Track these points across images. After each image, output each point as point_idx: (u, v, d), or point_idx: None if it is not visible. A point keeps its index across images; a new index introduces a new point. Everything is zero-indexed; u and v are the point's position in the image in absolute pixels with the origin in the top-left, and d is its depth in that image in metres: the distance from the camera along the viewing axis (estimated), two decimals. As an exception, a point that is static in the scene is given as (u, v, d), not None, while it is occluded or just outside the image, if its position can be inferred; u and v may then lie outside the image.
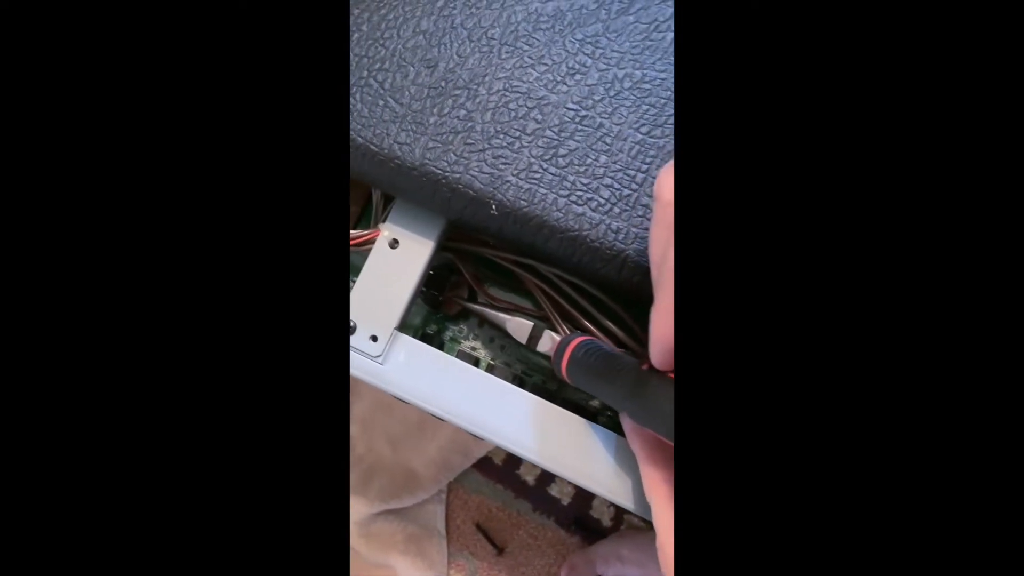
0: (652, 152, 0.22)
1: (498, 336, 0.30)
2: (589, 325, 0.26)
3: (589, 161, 0.22)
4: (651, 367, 0.20)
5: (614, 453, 0.24)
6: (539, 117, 0.22)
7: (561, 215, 0.22)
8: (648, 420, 0.19)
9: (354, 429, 0.52)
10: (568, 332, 0.26)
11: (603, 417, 0.28)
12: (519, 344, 0.28)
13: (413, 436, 0.52)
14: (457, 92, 0.23)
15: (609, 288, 0.25)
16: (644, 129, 0.22)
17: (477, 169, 0.22)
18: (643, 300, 0.24)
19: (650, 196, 0.22)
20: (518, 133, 0.22)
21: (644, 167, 0.22)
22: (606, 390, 0.21)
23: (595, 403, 0.28)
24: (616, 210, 0.22)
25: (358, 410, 0.53)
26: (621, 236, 0.22)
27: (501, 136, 0.22)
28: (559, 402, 0.26)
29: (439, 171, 0.23)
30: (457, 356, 0.28)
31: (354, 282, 0.26)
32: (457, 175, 0.22)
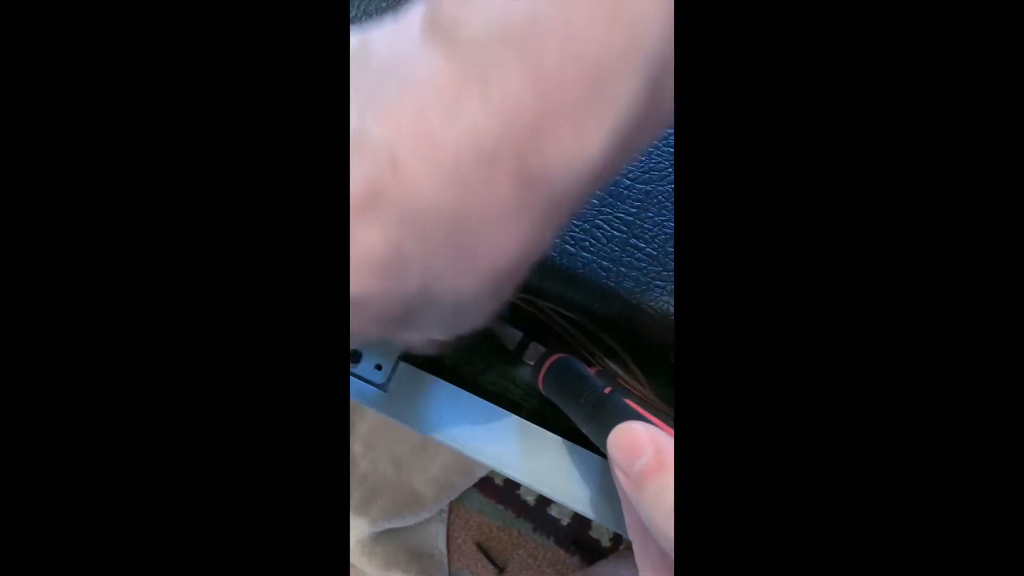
0: (639, 196, 0.24)
1: (497, 361, 0.32)
2: (585, 354, 0.27)
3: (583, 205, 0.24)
4: (614, 390, 0.21)
5: (604, 478, 0.25)
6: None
7: (556, 255, 0.23)
8: (603, 444, 0.20)
9: (358, 448, 0.53)
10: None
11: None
12: (515, 365, 0.29)
13: (416, 456, 0.53)
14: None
15: (603, 323, 0.26)
16: (632, 175, 0.24)
17: (476, 211, 0.24)
18: (635, 334, 0.25)
19: (638, 238, 0.24)
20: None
21: (633, 210, 0.24)
22: (572, 408, 0.22)
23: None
24: (606, 251, 0.23)
25: (362, 429, 0.54)
26: (613, 275, 0.24)
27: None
28: (558, 429, 0.27)
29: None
30: (458, 381, 0.29)
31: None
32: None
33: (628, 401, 0.21)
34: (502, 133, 0.13)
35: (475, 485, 0.53)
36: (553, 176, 0.14)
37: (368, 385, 0.26)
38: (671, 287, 0.24)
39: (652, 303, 0.24)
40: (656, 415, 0.21)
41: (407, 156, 0.14)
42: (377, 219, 0.14)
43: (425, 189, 0.14)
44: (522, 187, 0.14)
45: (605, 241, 0.24)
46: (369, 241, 0.15)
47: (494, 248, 0.15)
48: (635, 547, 0.22)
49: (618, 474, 0.19)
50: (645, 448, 0.19)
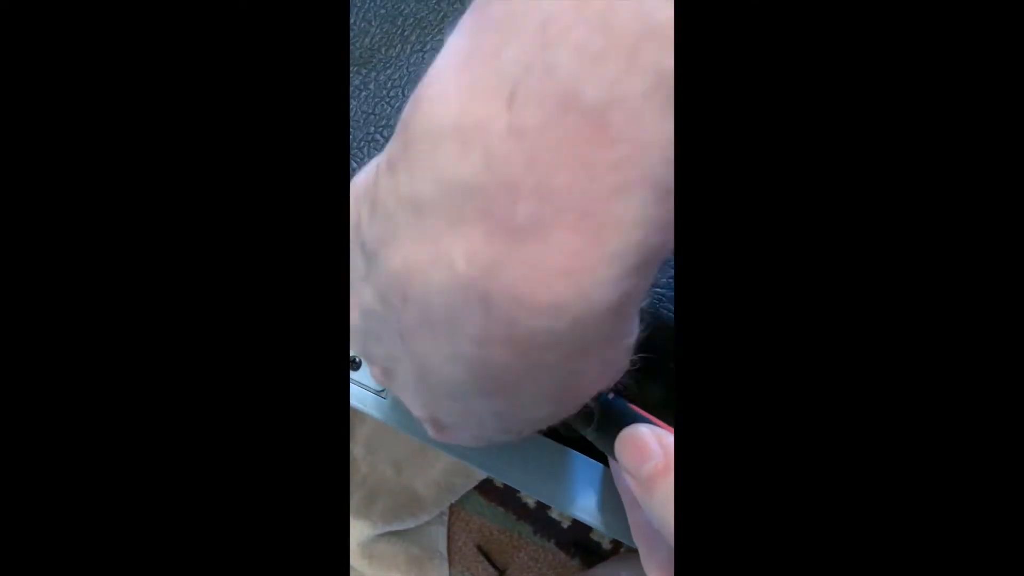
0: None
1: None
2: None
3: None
4: (616, 395, 0.21)
5: (604, 484, 0.25)
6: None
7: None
8: (607, 448, 0.20)
9: (358, 451, 0.54)
10: None
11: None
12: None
13: (416, 458, 0.53)
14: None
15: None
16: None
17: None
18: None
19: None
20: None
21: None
22: (574, 414, 0.22)
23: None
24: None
25: (362, 432, 0.54)
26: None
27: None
28: (557, 435, 0.27)
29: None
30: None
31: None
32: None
33: (632, 405, 0.21)
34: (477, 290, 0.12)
35: (476, 487, 0.53)
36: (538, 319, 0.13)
37: (367, 392, 0.26)
38: (671, 294, 0.24)
39: (650, 310, 0.24)
40: (661, 418, 0.21)
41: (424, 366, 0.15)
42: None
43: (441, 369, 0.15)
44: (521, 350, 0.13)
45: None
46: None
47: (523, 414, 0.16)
48: (641, 551, 0.22)
49: (627, 478, 0.20)
50: (653, 450, 0.19)
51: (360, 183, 0.16)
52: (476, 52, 0.12)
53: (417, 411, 0.18)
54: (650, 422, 0.20)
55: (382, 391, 0.26)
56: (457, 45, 0.12)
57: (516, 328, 0.13)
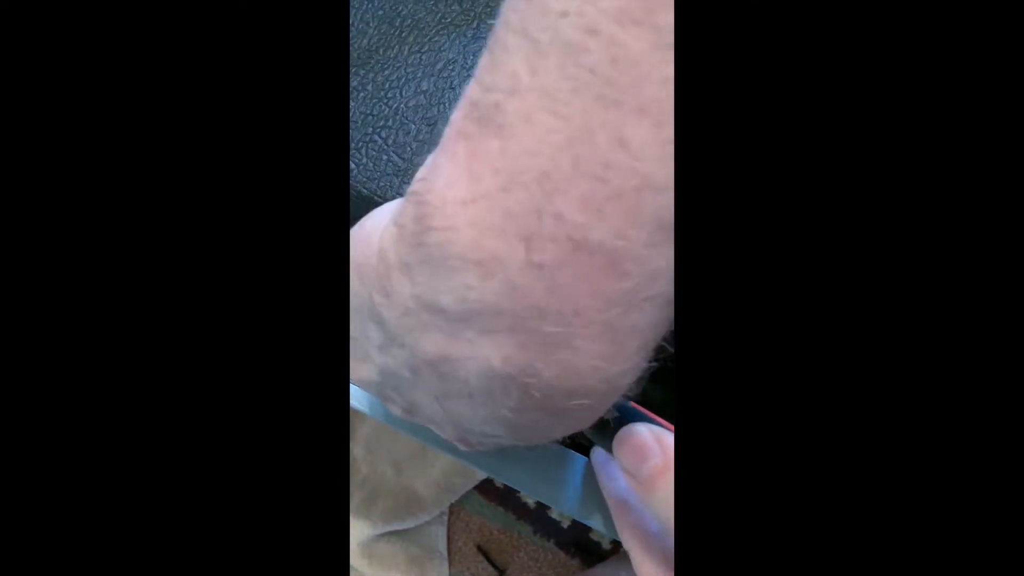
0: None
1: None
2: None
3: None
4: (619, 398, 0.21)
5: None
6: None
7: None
8: (606, 446, 0.20)
9: (358, 451, 0.54)
10: None
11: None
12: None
13: (416, 458, 0.53)
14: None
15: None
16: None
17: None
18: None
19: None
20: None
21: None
22: None
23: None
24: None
25: (362, 432, 0.54)
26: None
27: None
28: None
29: (439, 220, 0.24)
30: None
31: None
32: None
33: (632, 403, 0.21)
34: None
35: (475, 487, 0.53)
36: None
37: (367, 392, 0.26)
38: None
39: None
40: (662, 416, 0.21)
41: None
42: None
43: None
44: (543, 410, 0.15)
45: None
46: None
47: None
48: (635, 552, 0.21)
49: (625, 478, 0.20)
50: (652, 449, 0.19)
51: (363, 262, 0.17)
52: (479, 191, 0.13)
53: (445, 436, 0.19)
54: (649, 418, 0.20)
55: (382, 391, 0.26)
56: (454, 175, 0.13)
57: (551, 403, 0.14)
